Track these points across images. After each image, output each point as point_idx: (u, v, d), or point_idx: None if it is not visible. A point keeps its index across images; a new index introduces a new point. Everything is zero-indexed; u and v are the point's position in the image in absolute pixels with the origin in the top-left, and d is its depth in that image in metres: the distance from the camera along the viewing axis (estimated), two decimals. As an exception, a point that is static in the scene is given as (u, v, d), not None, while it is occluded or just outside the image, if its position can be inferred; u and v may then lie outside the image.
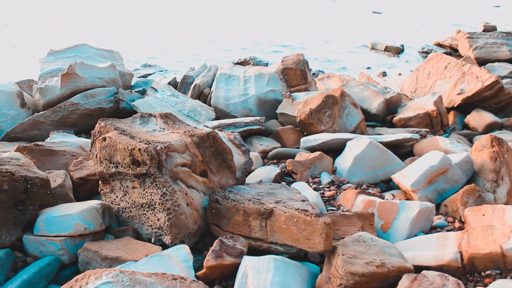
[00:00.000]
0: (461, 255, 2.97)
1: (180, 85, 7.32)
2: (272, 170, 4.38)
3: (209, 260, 2.86)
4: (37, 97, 5.99)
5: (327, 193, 4.13)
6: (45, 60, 6.54)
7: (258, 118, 5.48)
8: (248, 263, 2.82)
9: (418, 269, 2.94)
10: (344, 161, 4.58)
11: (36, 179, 3.40)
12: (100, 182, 3.54)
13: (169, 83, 7.38)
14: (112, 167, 3.33)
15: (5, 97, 5.85)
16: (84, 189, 3.91)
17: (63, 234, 3.17)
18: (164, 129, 3.59)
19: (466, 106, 6.67)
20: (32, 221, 3.32)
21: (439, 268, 2.95)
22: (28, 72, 7.79)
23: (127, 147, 3.19)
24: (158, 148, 3.14)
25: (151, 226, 3.25)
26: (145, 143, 3.20)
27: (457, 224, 3.66)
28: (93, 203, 3.37)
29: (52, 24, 14.82)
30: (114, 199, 3.46)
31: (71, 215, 3.21)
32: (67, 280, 3.04)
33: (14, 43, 12.30)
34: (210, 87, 7.11)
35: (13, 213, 3.26)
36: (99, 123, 3.67)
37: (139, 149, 3.13)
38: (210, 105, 6.30)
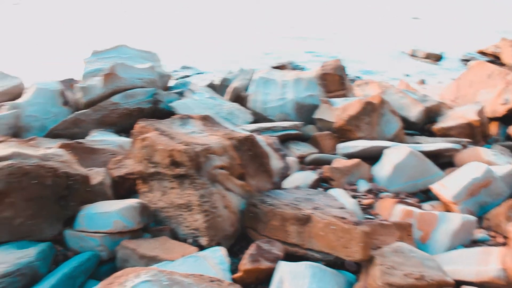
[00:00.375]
0: (506, 272, 2.87)
1: (218, 88, 7.36)
2: (309, 176, 4.35)
3: (245, 263, 2.86)
4: (79, 95, 6.13)
5: (365, 201, 4.07)
6: (89, 60, 6.70)
7: (297, 123, 5.45)
8: (284, 268, 2.80)
9: (458, 283, 2.86)
10: (383, 169, 4.50)
11: (77, 176, 3.48)
12: (138, 181, 3.58)
13: (207, 86, 7.43)
14: (151, 167, 3.37)
15: (49, 95, 6.01)
16: (123, 187, 3.96)
17: (102, 231, 3.23)
18: (203, 131, 3.61)
19: (510, 117, 6.46)
20: (73, 216, 3.40)
21: (481, 285, 2.86)
22: (69, 71, 7.98)
23: (167, 148, 3.22)
24: (197, 150, 3.17)
25: (188, 226, 3.27)
26: (185, 145, 3.23)
27: (500, 239, 3.55)
28: (132, 201, 3.42)
29: (91, 25, 15.20)
30: (152, 199, 3.49)
31: (111, 213, 3.27)
32: (105, 275, 3.09)
33: (56, 43, 12.69)
34: (247, 90, 7.11)
35: (55, 208, 3.35)
36: (139, 123, 3.72)
37: (179, 150, 3.16)
38: (247, 108, 6.30)
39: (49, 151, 3.69)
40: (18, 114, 5.71)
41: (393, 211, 3.81)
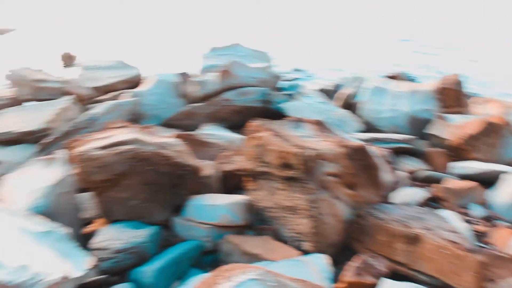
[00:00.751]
0: None
1: (328, 93, 7.28)
2: (419, 193, 4.15)
3: (348, 275, 2.79)
4: (195, 89, 6.38)
5: (478, 228, 3.79)
6: (207, 55, 6.97)
7: (409, 137, 5.23)
8: (389, 287, 2.70)
9: None
10: (501, 196, 4.17)
11: (189, 167, 3.63)
12: (247, 178, 3.64)
13: (318, 90, 7.39)
14: (262, 166, 3.41)
15: (167, 86, 6.34)
16: (230, 182, 4.05)
17: (209, 222, 3.34)
18: (316, 136, 3.58)
19: None
20: (180, 205, 3.55)
21: None
22: (180, 65, 8.31)
23: (280, 149, 3.24)
24: (310, 154, 3.14)
25: (292, 229, 3.26)
26: (298, 148, 3.22)
27: None
28: (240, 198, 3.50)
29: (201, 22, 15.79)
30: (259, 197, 3.53)
31: (219, 206, 3.37)
32: (207, 265, 3.21)
33: (170, 37, 13.40)
34: (357, 97, 6.96)
35: (167, 195, 3.53)
36: (252, 122, 3.78)
37: (291, 153, 3.16)
38: (357, 116, 6.17)
39: (165, 140, 3.88)
40: (138, 102, 6.08)
41: (511, 242, 3.51)
